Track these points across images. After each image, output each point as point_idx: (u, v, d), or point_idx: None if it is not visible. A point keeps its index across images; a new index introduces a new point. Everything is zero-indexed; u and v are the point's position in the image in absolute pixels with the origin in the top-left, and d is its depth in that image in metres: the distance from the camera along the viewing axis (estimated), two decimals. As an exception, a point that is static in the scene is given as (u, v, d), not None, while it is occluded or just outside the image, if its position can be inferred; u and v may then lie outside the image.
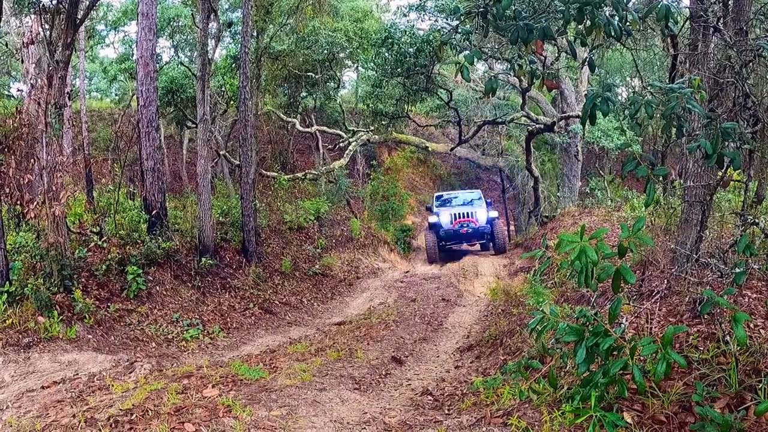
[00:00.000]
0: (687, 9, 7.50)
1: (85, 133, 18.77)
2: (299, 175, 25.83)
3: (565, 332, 4.37)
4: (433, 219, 24.15)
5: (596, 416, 4.21)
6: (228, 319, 11.70)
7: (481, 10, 4.83)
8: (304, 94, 28.68)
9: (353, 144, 27.04)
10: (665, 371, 3.83)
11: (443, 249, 23.93)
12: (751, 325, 5.11)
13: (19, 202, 9.95)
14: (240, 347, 10.07)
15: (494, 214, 24.10)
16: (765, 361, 4.47)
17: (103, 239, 11.79)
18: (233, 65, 23.30)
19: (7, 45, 18.62)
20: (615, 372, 4.10)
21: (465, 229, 22.96)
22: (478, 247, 24.97)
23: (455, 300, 13.70)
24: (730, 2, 6.03)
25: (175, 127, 28.29)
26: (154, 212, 13.19)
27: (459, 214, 23.50)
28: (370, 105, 26.67)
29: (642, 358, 4.46)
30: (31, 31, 12.07)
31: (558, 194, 25.45)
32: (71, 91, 18.30)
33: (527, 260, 15.93)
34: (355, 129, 28.20)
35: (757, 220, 5.52)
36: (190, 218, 15.57)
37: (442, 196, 26.68)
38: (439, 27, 21.16)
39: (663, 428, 4.22)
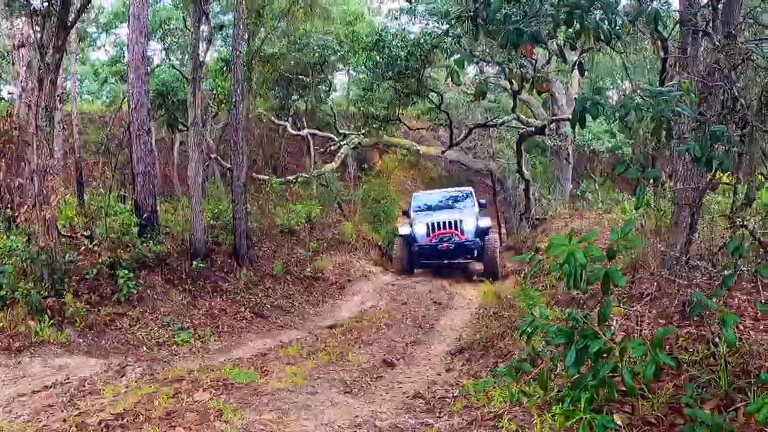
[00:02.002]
0: (676, 13, 7.54)
1: (76, 136, 18.71)
2: (290, 178, 25.78)
3: (555, 335, 4.39)
4: (404, 230, 19.56)
5: (586, 418, 4.23)
6: (219, 323, 11.67)
7: (472, 13, 4.86)
8: (295, 97, 28.67)
9: (344, 147, 27.02)
10: (655, 373, 3.85)
11: (419, 265, 19.30)
12: (741, 327, 5.14)
13: (9, 206, 9.94)
14: (231, 351, 10.05)
15: (486, 222, 19.26)
16: (754, 363, 4.49)
17: (94, 243, 11.74)
18: (225, 68, 23.25)
19: (-3, 48, 18.55)
20: (605, 374, 4.12)
21: (445, 244, 18.12)
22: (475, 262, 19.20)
23: (446, 303, 13.73)
24: (719, 6, 6.07)
25: (166, 130, 28.22)
26: (145, 216, 13.16)
27: (438, 223, 18.58)
28: (362, 108, 26.73)
29: (632, 360, 4.48)
30: (22, 34, 12.03)
31: (549, 197, 25.37)
32: (62, 93, 18.23)
33: (518, 263, 15.95)
34: (347, 132, 28.19)
35: (746, 223, 5.57)
36: (182, 222, 15.54)
37: (423, 196, 22.03)
38: (430, 30, 21.18)
39: (653, 430, 4.24)
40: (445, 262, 18.74)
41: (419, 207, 20.82)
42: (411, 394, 6.73)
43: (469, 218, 18.69)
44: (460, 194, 21.29)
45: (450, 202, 20.82)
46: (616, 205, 16.79)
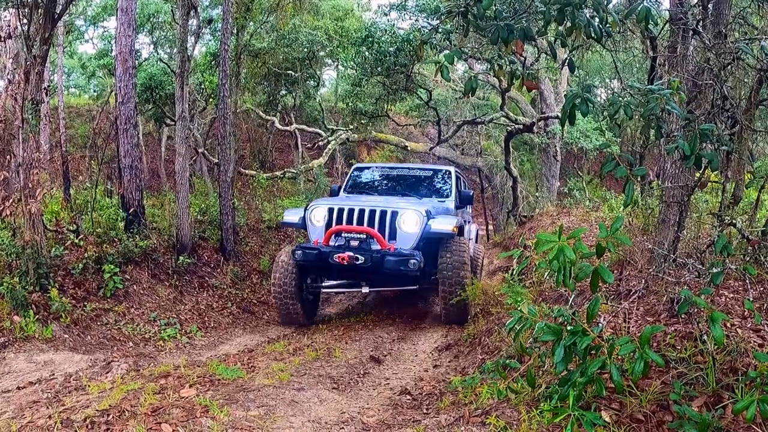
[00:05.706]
0: (667, 11, 7.55)
1: (63, 129, 18.60)
2: (278, 173, 25.70)
3: (543, 331, 4.39)
4: (290, 217, 11.52)
5: (574, 415, 4.22)
6: (206, 319, 11.63)
7: (462, 9, 4.84)
8: (283, 92, 28.63)
9: (332, 143, 26.95)
10: (643, 370, 3.85)
11: (314, 294, 11.48)
12: (728, 324, 5.15)
13: (-6, 200, 9.81)
14: (218, 347, 10.02)
15: (444, 226, 10.23)
16: (742, 360, 4.51)
17: (79, 237, 11.65)
18: (213, 62, 23.19)
19: (-17, 40, 18.37)
20: (593, 371, 4.11)
21: (347, 254, 9.67)
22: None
23: (434, 298, 13.70)
24: (709, 5, 6.09)
25: (153, 125, 28.13)
26: (131, 210, 13.07)
27: (349, 211, 10.20)
28: (350, 104, 26.66)
29: (620, 357, 4.48)
30: (9, 26, 11.90)
31: (537, 194, 25.39)
32: (49, 86, 18.10)
33: (506, 259, 15.96)
34: (335, 128, 28.11)
35: (734, 221, 5.59)
36: (168, 216, 15.45)
37: (369, 170, 13.76)
38: (419, 26, 21.18)
39: (641, 427, 4.24)
40: (367, 290, 11.02)
41: (356, 186, 13.06)
42: (398, 390, 6.71)
43: (411, 212, 10.17)
44: (433, 175, 13.08)
45: (411, 186, 12.68)
46: (604, 203, 16.85)
